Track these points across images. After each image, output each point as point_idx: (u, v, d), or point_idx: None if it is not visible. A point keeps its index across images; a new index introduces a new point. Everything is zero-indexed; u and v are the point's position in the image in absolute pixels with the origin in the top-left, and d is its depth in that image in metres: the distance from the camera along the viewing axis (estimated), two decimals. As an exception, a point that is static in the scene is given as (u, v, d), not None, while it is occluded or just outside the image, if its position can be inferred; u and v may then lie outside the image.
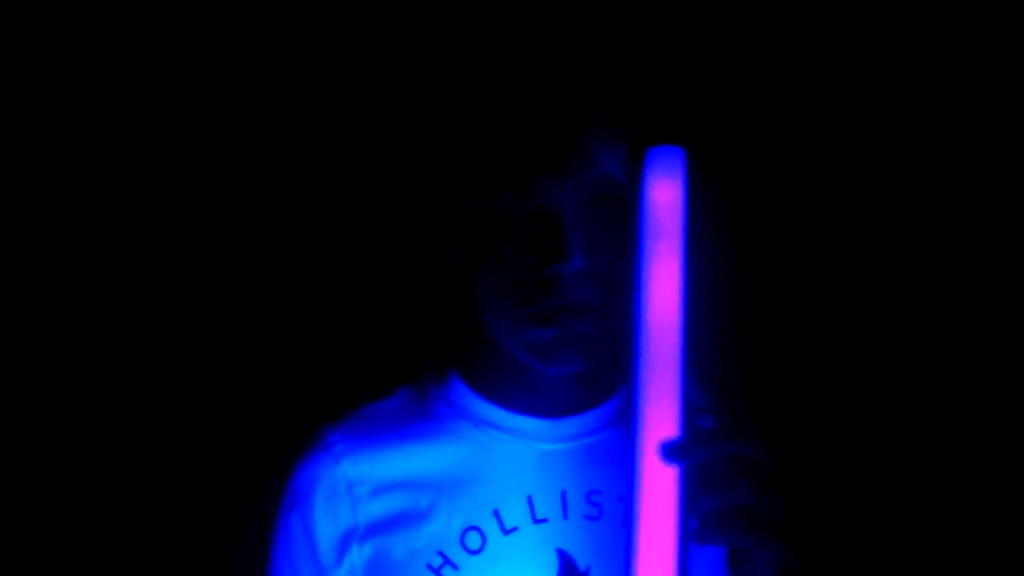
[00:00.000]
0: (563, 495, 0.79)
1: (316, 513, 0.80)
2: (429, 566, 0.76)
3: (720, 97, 1.10)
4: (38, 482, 1.12)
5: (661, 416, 0.59)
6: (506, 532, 0.77)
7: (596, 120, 0.75)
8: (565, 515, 0.78)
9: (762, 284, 1.09)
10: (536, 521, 0.78)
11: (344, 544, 0.79)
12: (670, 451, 0.58)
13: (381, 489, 0.80)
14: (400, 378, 0.87)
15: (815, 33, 1.12)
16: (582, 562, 0.77)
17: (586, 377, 0.81)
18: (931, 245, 1.15)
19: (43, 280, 1.12)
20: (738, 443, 0.59)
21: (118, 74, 1.12)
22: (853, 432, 1.14)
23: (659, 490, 0.59)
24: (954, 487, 1.13)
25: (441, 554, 0.77)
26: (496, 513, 0.78)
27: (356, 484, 0.80)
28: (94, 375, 1.14)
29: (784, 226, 1.14)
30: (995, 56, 1.09)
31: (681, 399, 0.59)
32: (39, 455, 1.12)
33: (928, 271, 1.15)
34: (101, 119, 1.13)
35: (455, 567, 0.76)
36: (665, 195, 0.60)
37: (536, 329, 0.73)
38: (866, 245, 1.15)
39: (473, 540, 0.77)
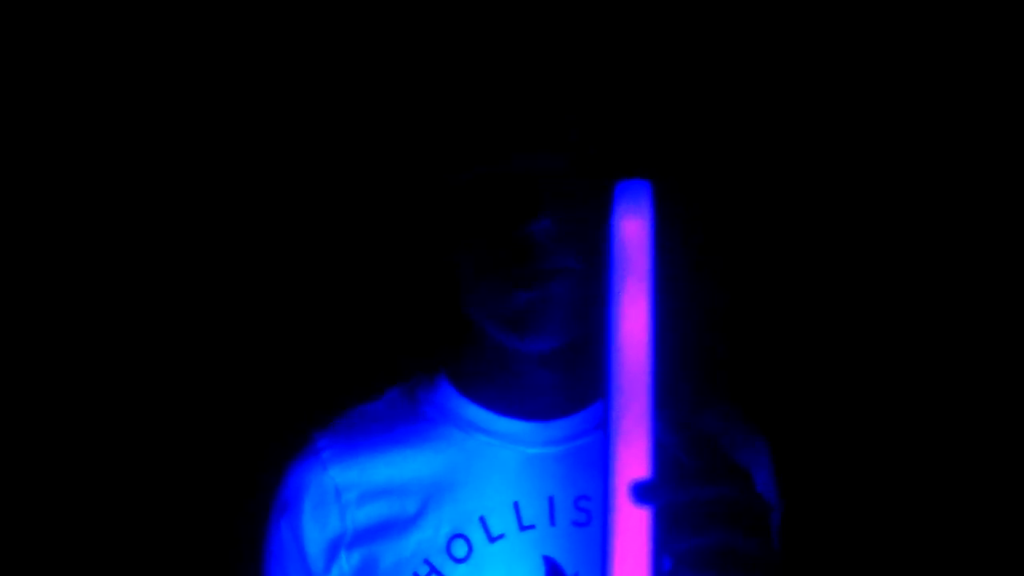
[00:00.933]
0: (550, 501, 0.78)
1: (305, 520, 0.80)
2: (416, 574, 0.76)
3: (687, 118, 1.08)
4: (31, 487, 1.14)
5: (633, 455, 0.57)
6: (492, 540, 0.77)
7: (569, 91, 0.75)
8: (552, 521, 0.77)
9: (734, 307, 1.08)
10: (523, 528, 0.77)
11: (332, 551, 0.79)
12: (641, 492, 0.57)
13: (369, 495, 0.79)
14: (390, 378, 0.86)
15: (786, 59, 1.11)
16: (569, 569, 0.76)
17: (573, 378, 0.79)
18: (896, 269, 1.15)
19: (30, 284, 1.12)
20: (711, 484, 0.57)
21: (100, 76, 1.09)
22: (831, 453, 1.13)
23: (632, 529, 0.57)
24: (933, 516, 1.13)
25: (427, 562, 0.76)
26: (482, 520, 0.77)
27: (344, 490, 0.80)
28: (84, 380, 1.14)
29: (754, 249, 1.14)
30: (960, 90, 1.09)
31: (653, 438, 0.57)
32: (32, 461, 1.14)
33: (895, 295, 1.15)
34: (89, 120, 1.11)
35: (440, 575, 0.76)
36: (633, 231, 0.58)
37: (512, 294, 0.72)
38: (839, 268, 1.15)
39: (459, 548, 0.77)
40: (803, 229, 1.13)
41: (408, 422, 0.83)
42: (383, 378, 0.86)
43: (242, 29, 1.08)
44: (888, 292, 1.14)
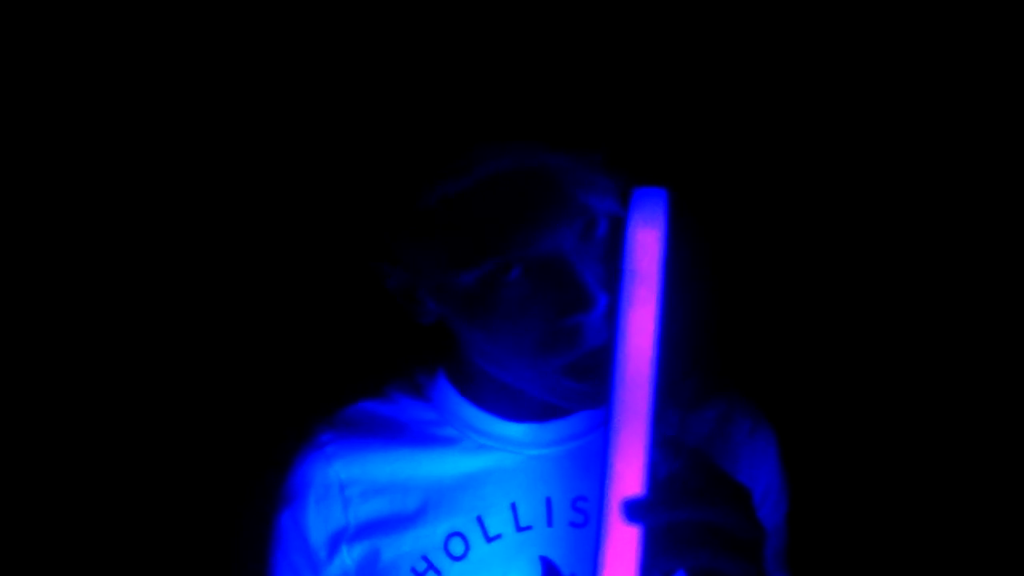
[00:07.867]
0: (548, 502, 0.79)
1: (309, 512, 0.81)
2: (414, 570, 0.78)
3: (700, 129, 1.06)
4: (33, 483, 1.15)
5: (628, 471, 0.58)
6: (489, 539, 0.78)
7: (579, 158, 0.65)
8: (550, 522, 0.78)
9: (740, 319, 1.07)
10: (520, 529, 0.78)
11: (335, 543, 0.80)
12: (632, 510, 0.57)
13: (372, 491, 0.80)
14: (392, 373, 0.86)
15: (787, 66, 1.09)
16: (566, 569, 0.77)
17: None
18: (901, 268, 1.13)
19: (30, 284, 1.12)
20: (702, 507, 0.57)
21: (87, 80, 1.08)
22: (838, 442, 1.13)
23: (623, 544, 0.58)
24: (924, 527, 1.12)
25: (425, 559, 0.78)
26: (480, 520, 0.78)
27: (348, 485, 0.81)
28: (87, 377, 1.15)
29: (762, 259, 1.13)
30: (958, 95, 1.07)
31: (649, 456, 0.58)
32: (34, 458, 1.15)
33: (900, 291, 1.14)
34: (85, 121, 1.10)
35: (438, 572, 0.77)
36: (647, 241, 0.57)
37: (565, 381, 0.69)
38: (847, 281, 1.14)
39: (456, 546, 0.78)
40: (807, 227, 1.12)
41: (410, 421, 0.83)
42: (384, 373, 0.86)
43: (241, 27, 1.07)
44: (892, 288, 1.14)
